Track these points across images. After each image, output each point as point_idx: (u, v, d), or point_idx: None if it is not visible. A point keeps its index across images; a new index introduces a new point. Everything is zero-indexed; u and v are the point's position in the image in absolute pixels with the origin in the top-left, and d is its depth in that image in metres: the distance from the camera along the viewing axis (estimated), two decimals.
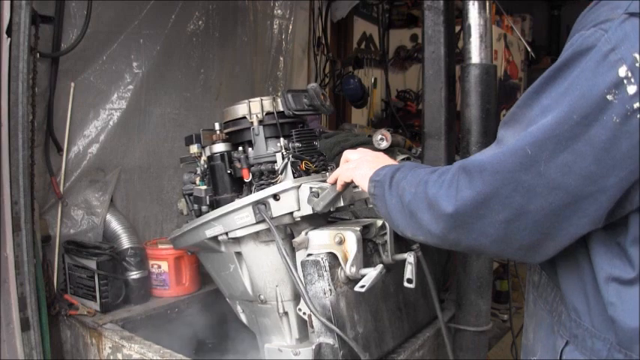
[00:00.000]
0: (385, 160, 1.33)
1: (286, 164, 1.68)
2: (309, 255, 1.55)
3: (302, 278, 1.53)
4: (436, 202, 0.98)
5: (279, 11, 3.59)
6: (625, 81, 0.76)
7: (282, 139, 1.73)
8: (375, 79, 4.88)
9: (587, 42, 0.81)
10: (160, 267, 2.32)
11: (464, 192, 0.93)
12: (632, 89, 0.76)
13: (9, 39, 1.74)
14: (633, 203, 0.84)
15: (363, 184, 1.28)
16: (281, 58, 3.62)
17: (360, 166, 1.33)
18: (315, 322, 1.51)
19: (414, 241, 1.80)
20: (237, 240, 1.71)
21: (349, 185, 1.44)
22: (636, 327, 0.87)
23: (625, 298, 0.88)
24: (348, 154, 1.42)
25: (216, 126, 1.82)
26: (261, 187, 1.68)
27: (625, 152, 0.79)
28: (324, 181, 1.60)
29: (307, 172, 1.72)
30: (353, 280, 1.52)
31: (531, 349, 1.12)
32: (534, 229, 0.89)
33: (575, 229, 0.88)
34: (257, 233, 1.67)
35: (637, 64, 0.76)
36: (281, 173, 1.68)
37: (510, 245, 0.92)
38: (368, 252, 1.62)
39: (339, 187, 1.45)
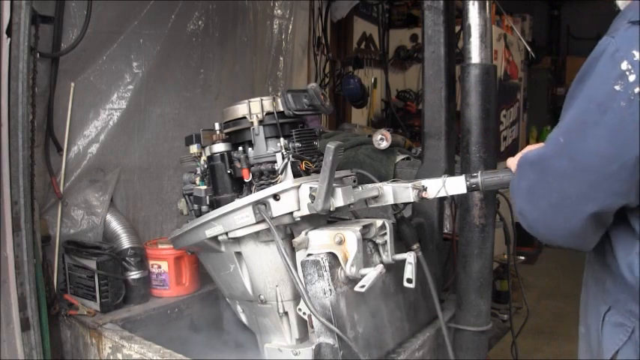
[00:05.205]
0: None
1: (286, 164, 1.68)
2: (309, 255, 1.55)
3: (302, 278, 1.53)
4: (513, 191, 1.21)
5: (279, 11, 3.58)
6: (627, 72, 0.96)
7: (282, 139, 1.73)
8: (375, 79, 4.88)
9: (600, 48, 1.03)
10: (159, 267, 2.32)
11: (521, 183, 1.15)
12: (632, 78, 0.96)
13: (9, 39, 1.74)
14: None
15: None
16: (281, 58, 3.62)
17: (516, 158, 1.48)
18: (315, 322, 1.52)
19: (414, 242, 1.81)
20: (237, 240, 1.71)
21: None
22: None
23: None
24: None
25: (216, 126, 1.82)
26: (261, 187, 1.68)
27: (632, 132, 0.96)
28: None
29: (307, 172, 1.72)
30: (353, 280, 1.53)
31: (584, 314, 1.27)
32: (574, 209, 1.04)
33: (607, 205, 1.03)
34: (257, 233, 1.67)
35: (635, 59, 0.97)
36: (281, 173, 1.68)
37: (555, 230, 1.10)
38: (368, 252, 1.63)
39: None
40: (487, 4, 1.85)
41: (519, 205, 1.15)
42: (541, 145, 1.33)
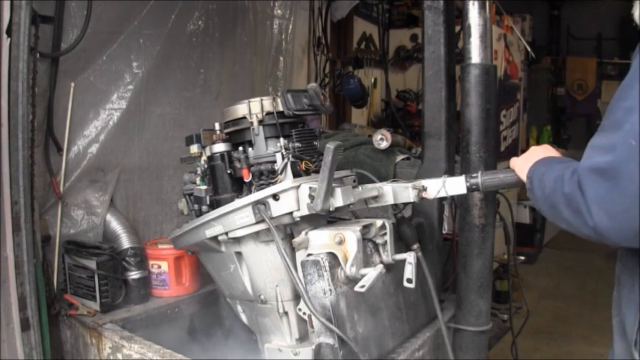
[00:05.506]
0: (541, 153, 1.43)
1: (286, 164, 1.68)
2: (309, 255, 1.55)
3: (302, 278, 1.53)
4: (572, 200, 1.14)
5: (279, 11, 3.59)
6: None
7: (282, 139, 1.73)
8: (375, 79, 4.88)
9: None
10: (160, 267, 2.32)
11: (588, 192, 1.10)
12: None
13: (9, 39, 1.74)
14: None
15: (522, 177, 1.44)
16: (281, 58, 3.62)
17: (520, 159, 1.48)
18: (315, 322, 1.52)
19: (414, 241, 1.81)
20: (237, 240, 1.71)
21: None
22: None
23: None
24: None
25: (216, 126, 1.83)
26: (261, 187, 1.69)
27: None
28: None
29: (307, 172, 1.72)
30: (353, 280, 1.53)
31: (617, 307, 1.29)
32: None
33: None
34: (257, 233, 1.67)
35: None
36: (281, 173, 1.68)
37: (622, 232, 1.07)
38: (368, 252, 1.63)
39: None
40: (487, 4, 1.85)
41: (595, 220, 1.10)
42: (553, 153, 1.37)
